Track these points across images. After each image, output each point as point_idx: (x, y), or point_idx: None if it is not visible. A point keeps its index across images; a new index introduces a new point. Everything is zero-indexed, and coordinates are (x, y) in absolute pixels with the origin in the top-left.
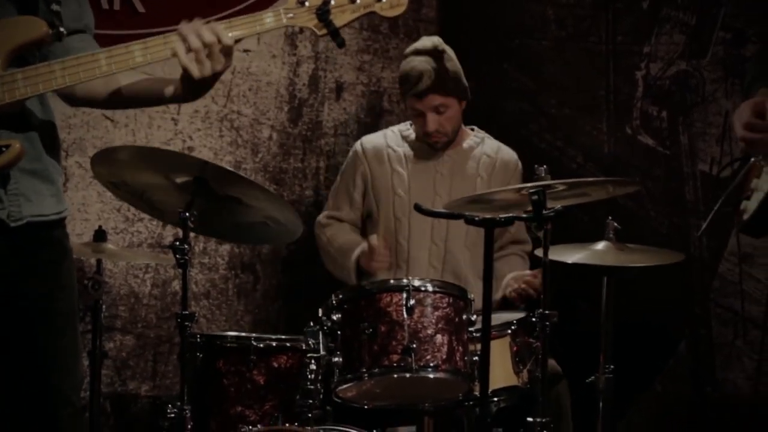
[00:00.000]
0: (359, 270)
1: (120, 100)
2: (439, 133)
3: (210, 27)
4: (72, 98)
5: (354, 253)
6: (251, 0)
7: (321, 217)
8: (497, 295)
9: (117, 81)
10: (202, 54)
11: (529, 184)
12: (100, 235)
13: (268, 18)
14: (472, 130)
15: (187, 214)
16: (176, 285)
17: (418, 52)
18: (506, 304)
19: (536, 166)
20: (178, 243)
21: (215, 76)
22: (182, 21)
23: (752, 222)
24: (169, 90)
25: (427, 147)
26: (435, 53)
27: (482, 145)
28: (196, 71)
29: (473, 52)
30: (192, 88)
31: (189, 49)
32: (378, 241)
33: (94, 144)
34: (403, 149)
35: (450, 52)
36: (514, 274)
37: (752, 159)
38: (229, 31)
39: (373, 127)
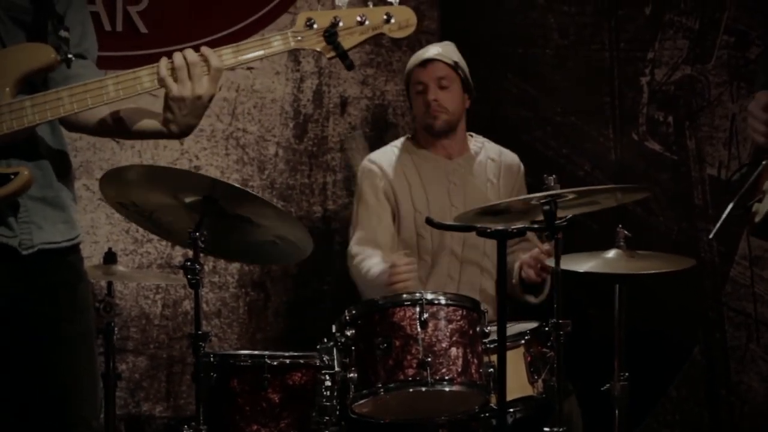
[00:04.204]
0: None
1: (106, 128)
2: (440, 107)
3: (202, 49)
4: (67, 124)
5: (380, 279)
6: (250, 20)
7: (352, 247)
8: (513, 280)
9: (103, 109)
10: (183, 72)
11: (540, 194)
12: (110, 257)
13: (276, 41)
14: (471, 136)
15: (197, 234)
16: (187, 305)
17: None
18: (525, 287)
19: (545, 175)
20: (189, 263)
21: (198, 108)
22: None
23: (764, 224)
24: (153, 123)
25: (436, 158)
26: (447, 44)
27: (485, 150)
28: (174, 88)
29: (475, 62)
30: (173, 118)
31: (172, 68)
32: (399, 257)
33: (100, 166)
34: (414, 163)
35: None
36: (525, 256)
37: (764, 162)
38: (233, 56)
39: (378, 141)
